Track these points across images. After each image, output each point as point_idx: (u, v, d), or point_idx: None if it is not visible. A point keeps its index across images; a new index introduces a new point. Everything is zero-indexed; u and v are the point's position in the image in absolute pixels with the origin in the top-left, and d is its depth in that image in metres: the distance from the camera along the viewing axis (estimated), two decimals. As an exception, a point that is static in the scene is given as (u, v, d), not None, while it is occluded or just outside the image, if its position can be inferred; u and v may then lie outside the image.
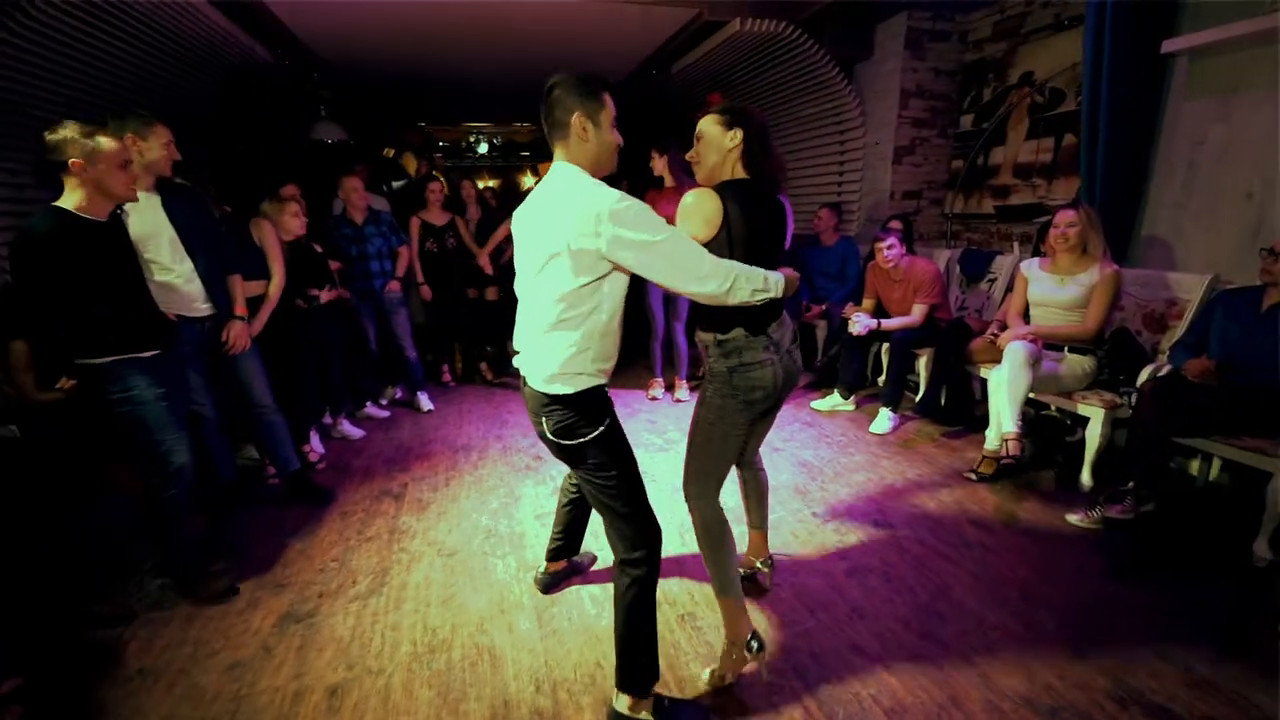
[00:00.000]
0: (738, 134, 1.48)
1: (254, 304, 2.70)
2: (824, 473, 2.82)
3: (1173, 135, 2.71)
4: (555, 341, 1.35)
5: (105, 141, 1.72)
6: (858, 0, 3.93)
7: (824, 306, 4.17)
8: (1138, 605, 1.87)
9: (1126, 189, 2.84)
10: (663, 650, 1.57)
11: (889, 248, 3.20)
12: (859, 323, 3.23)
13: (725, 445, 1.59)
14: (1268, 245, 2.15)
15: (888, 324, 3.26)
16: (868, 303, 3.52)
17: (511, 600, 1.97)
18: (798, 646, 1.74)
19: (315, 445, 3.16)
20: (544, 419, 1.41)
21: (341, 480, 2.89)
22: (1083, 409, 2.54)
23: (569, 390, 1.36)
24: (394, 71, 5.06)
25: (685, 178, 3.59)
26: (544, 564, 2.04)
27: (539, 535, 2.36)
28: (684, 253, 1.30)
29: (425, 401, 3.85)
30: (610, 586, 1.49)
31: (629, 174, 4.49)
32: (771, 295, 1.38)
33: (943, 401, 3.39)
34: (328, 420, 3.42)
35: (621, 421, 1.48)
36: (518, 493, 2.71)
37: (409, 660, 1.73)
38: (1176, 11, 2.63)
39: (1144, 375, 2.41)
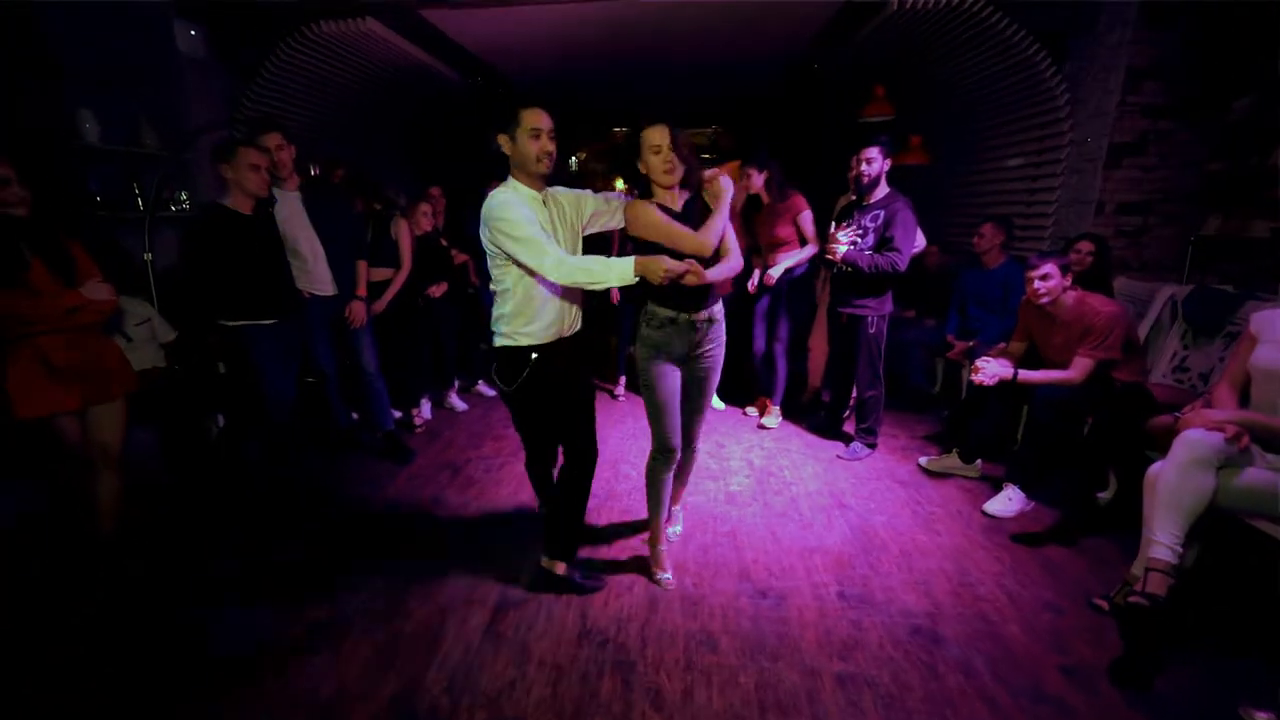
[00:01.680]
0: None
1: (383, 286, 3.22)
2: (888, 548, 2.29)
3: None
4: (494, 304, 1.83)
5: (241, 151, 2.21)
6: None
7: (971, 343, 3.37)
8: None
9: None
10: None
11: (1043, 277, 2.42)
12: (986, 370, 2.51)
13: (650, 395, 1.92)
14: None
15: (1029, 376, 2.48)
16: (1015, 345, 2.73)
17: (480, 592, 2.03)
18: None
19: (424, 411, 3.65)
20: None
21: (428, 445, 3.29)
22: (1321, 553, 1.61)
23: (496, 344, 1.82)
24: (572, 82, 5.50)
25: (781, 193, 3.23)
26: None
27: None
28: (530, 245, 1.65)
29: (527, 387, 4.15)
30: (574, 602, 1.95)
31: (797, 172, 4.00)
32: (605, 282, 1.66)
33: (1109, 492, 2.49)
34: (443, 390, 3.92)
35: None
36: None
37: (372, 618, 1.90)
38: None
39: None
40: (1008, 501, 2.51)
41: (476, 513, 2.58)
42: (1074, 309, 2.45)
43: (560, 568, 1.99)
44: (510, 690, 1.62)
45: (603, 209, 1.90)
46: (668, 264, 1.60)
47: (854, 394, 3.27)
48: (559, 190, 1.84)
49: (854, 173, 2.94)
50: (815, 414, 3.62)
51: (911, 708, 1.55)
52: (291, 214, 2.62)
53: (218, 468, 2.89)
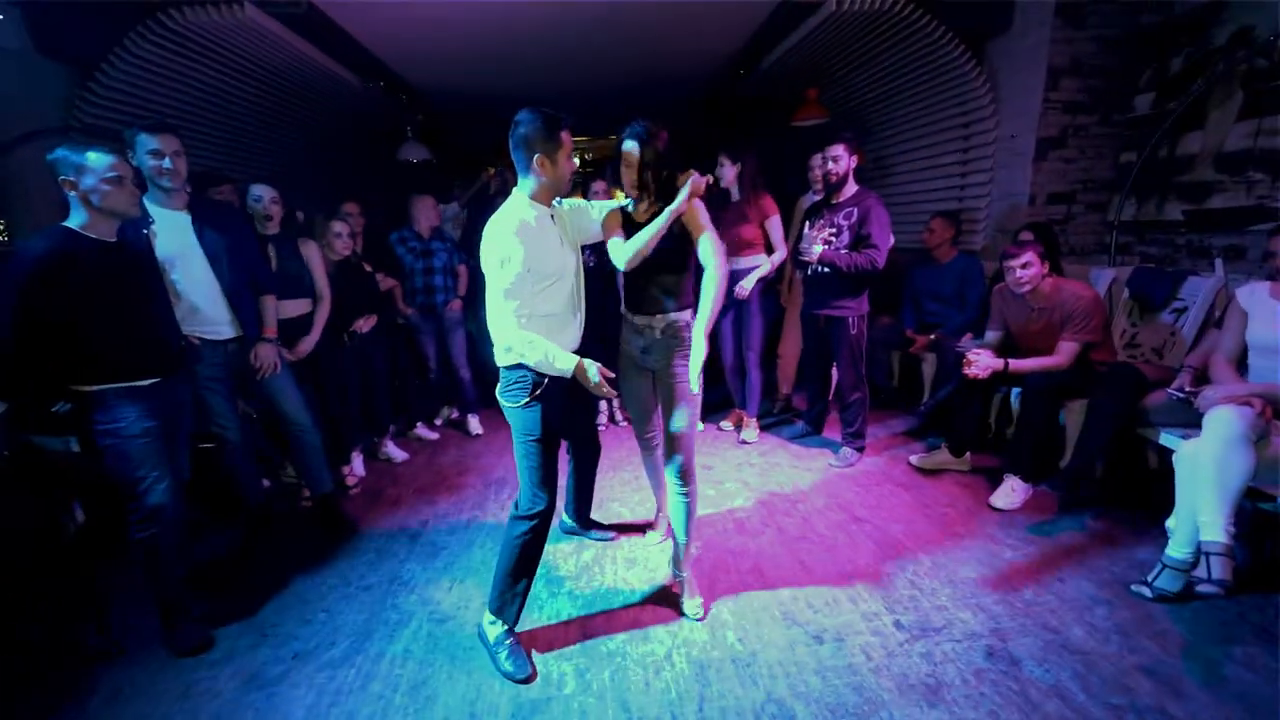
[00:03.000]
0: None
1: (296, 323, 2.65)
2: (919, 560, 2.16)
3: None
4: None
5: (94, 158, 1.64)
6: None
7: (932, 336, 3.41)
8: None
9: None
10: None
11: (1024, 265, 2.44)
12: (979, 362, 2.49)
13: None
14: None
15: (1019, 365, 2.49)
16: (992, 336, 2.75)
17: (487, 702, 1.61)
18: None
19: (356, 467, 3.07)
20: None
21: (369, 509, 2.74)
22: (1346, 515, 1.67)
23: (503, 362, 1.69)
24: (485, 90, 5.07)
25: (754, 190, 3.07)
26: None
27: (545, 606, 1.99)
28: (502, 286, 1.59)
29: (475, 425, 3.67)
30: (608, 692, 1.63)
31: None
32: (540, 369, 1.63)
33: (1098, 473, 2.54)
34: (375, 440, 3.34)
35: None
36: (536, 546, 2.36)
37: (347, 769, 1.42)
38: None
39: None
40: (1012, 493, 2.48)
41: (451, 588, 2.12)
42: (1052, 295, 2.49)
43: (499, 627, 1.78)
44: (564, 836, 1.24)
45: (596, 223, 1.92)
46: (600, 376, 1.63)
47: (830, 397, 3.18)
48: (563, 203, 1.85)
49: (820, 171, 2.85)
50: (792, 422, 3.49)
51: (1029, 753, 1.38)
52: (178, 239, 2.03)
53: (77, 575, 2.18)
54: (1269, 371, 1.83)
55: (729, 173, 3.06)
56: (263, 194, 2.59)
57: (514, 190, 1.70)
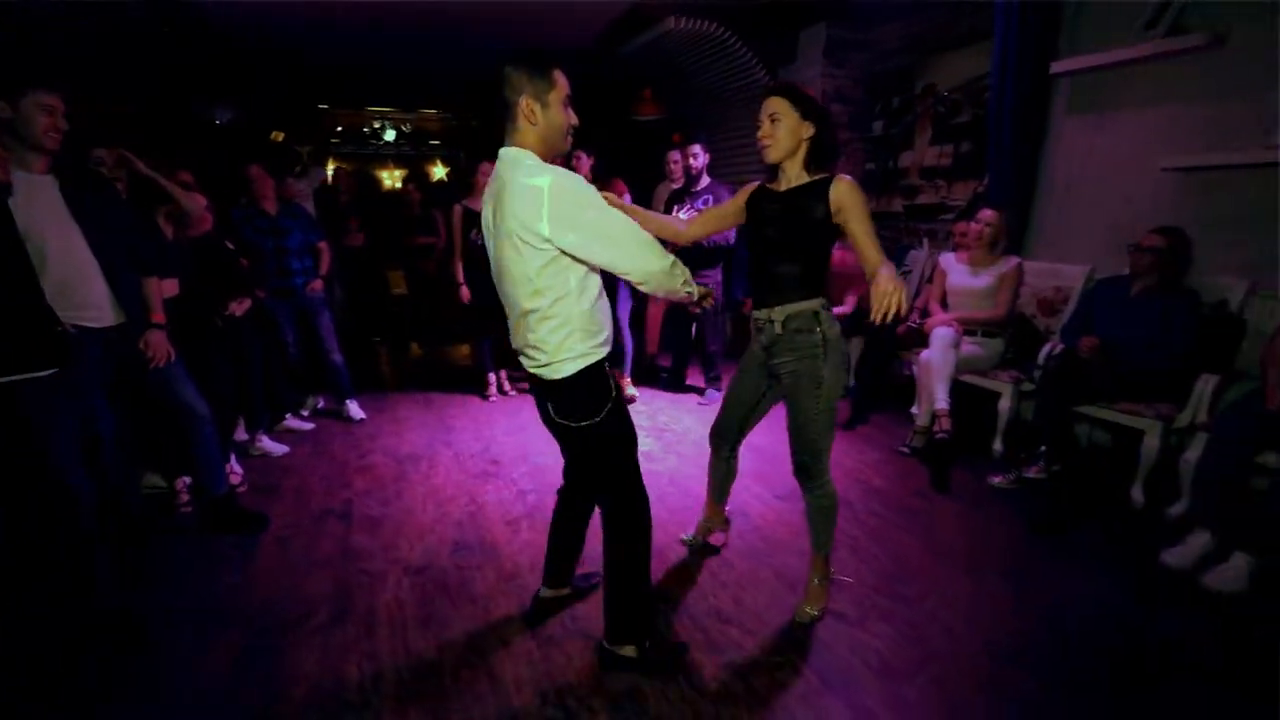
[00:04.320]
0: (810, 126, 1.59)
1: (168, 305, 2.36)
2: (778, 456, 2.97)
3: (1058, 145, 3.14)
4: (540, 330, 1.40)
5: None
6: (780, 3, 4.13)
7: (759, 299, 4.37)
8: (1059, 553, 2.18)
9: (1023, 189, 3.25)
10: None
11: (824, 243, 3.41)
12: (799, 314, 3.42)
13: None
14: (1134, 242, 2.56)
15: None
16: (804, 295, 3.73)
17: (498, 614, 1.90)
18: (789, 622, 1.84)
19: (233, 465, 2.82)
20: (549, 404, 1.49)
21: (272, 502, 2.61)
22: (994, 385, 2.89)
23: (562, 376, 1.42)
24: (292, 43, 4.57)
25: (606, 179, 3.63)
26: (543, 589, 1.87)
27: (511, 542, 2.29)
28: (620, 227, 1.34)
29: (356, 410, 3.55)
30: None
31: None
32: (683, 293, 1.50)
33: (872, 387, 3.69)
34: (243, 436, 3.06)
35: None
36: (480, 499, 2.59)
37: (395, 689, 1.61)
38: (1059, 35, 3.04)
39: (1042, 354, 2.78)
40: (825, 405, 3.49)
41: (414, 547, 2.26)
42: (839, 264, 3.51)
43: (632, 649, 1.61)
44: (606, 673, 1.66)
45: None
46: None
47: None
48: None
49: (680, 165, 3.48)
50: (658, 377, 4.15)
51: (866, 546, 2.22)
52: (44, 208, 1.74)
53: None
54: (959, 306, 3.01)
55: (586, 164, 3.53)
56: (105, 157, 2.24)
57: (503, 148, 1.39)
